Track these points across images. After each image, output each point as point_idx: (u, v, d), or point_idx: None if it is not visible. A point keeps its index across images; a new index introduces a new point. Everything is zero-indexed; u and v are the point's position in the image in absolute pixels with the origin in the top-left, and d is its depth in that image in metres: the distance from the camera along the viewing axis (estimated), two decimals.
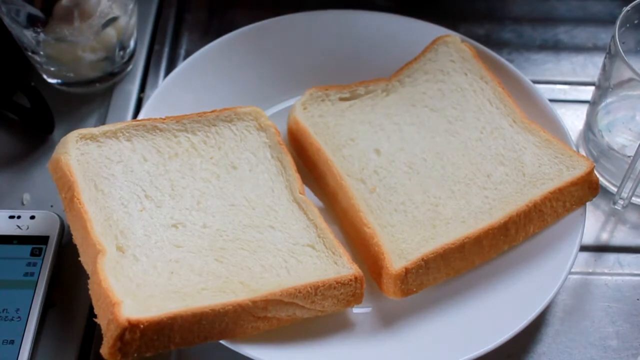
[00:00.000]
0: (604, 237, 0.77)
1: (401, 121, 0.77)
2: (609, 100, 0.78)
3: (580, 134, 0.83)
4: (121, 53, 0.82)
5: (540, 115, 0.78)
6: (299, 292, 0.62)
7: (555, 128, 0.77)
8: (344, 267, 0.65)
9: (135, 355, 0.56)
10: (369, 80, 0.81)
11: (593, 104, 0.79)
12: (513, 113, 0.76)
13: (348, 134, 0.76)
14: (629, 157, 0.74)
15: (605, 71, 0.75)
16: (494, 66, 0.81)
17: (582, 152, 0.80)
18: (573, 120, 0.85)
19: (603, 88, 0.76)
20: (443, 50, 0.81)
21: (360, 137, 0.76)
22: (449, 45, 0.81)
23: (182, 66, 0.80)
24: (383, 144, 0.75)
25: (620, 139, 0.78)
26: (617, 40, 0.71)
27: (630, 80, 0.71)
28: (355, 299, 0.65)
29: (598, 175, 0.73)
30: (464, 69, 0.80)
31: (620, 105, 0.79)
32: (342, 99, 0.79)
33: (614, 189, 0.77)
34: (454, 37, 0.82)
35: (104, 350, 0.56)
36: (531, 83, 0.80)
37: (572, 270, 0.70)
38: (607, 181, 0.79)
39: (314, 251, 0.67)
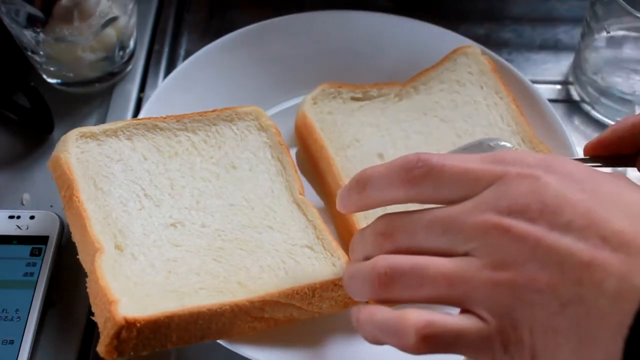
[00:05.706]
0: None
1: (409, 128, 0.77)
2: (597, 41, 0.81)
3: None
4: (121, 53, 0.82)
5: (539, 115, 0.77)
6: (297, 293, 0.62)
7: (554, 128, 0.76)
8: (342, 269, 0.65)
9: (132, 353, 0.56)
10: (382, 82, 0.80)
11: (581, 50, 0.83)
12: (523, 132, 0.76)
13: (354, 135, 0.76)
14: (627, 94, 0.80)
15: (595, 12, 0.78)
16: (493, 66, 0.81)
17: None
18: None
19: (592, 30, 0.80)
20: (462, 61, 0.80)
21: (365, 139, 0.75)
22: (469, 57, 0.81)
23: (182, 66, 0.80)
24: (388, 149, 0.75)
25: (615, 78, 0.81)
26: None
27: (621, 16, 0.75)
28: (353, 301, 0.65)
29: (600, 116, 0.80)
30: (481, 82, 0.79)
31: (609, 44, 0.82)
32: (353, 99, 0.79)
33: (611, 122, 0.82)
34: (475, 48, 0.81)
35: (101, 348, 0.56)
36: (531, 83, 0.80)
37: None
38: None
39: (312, 252, 0.66)
